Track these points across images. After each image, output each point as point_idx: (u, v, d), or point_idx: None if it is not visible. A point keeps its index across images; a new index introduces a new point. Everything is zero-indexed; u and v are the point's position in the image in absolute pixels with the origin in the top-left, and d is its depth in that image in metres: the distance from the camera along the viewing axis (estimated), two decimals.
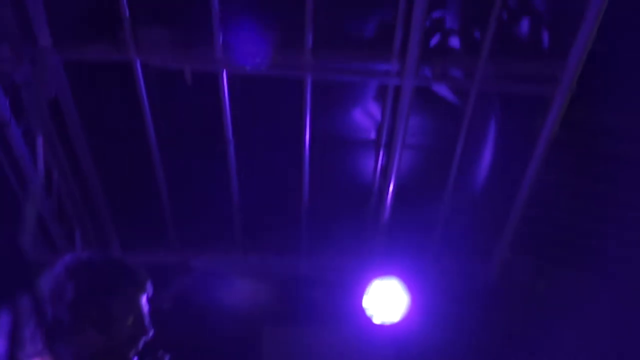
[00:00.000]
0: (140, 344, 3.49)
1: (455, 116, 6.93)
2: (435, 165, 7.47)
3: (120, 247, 8.34)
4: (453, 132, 7.06)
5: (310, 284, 8.60)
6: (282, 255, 8.43)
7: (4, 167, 6.82)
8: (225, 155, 7.23)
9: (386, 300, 8.25)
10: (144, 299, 3.56)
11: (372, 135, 7.15)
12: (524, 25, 6.23)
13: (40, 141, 6.84)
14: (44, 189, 7.07)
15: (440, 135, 7.21)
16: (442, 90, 6.78)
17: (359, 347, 8.83)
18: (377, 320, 8.30)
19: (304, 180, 7.50)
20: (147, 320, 3.54)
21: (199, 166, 7.51)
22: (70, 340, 3.34)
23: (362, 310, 8.25)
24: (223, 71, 6.45)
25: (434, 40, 6.34)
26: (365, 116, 7.02)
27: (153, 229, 8.23)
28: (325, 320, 8.80)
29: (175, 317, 8.93)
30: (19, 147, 6.60)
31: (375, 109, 6.97)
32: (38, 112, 6.64)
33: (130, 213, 8.11)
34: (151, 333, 3.53)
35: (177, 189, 7.68)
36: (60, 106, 6.78)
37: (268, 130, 7.11)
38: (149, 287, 3.59)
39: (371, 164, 7.39)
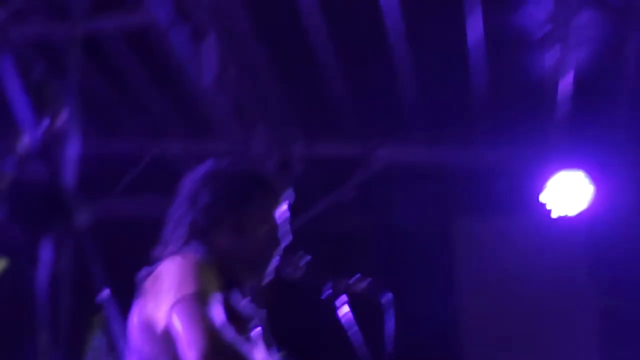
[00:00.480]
0: (273, 255, 3.55)
1: None
2: (615, 57, 7.17)
3: (301, 139, 8.47)
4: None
5: (494, 176, 8.48)
6: (462, 147, 8.36)
7: (172, 69, 7.05)
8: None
9: (569, 193, 8.07)
10: (279, 211, 3.61)
11: (546, 29, 6.93)
12: None
13: (211, 40, 7.01)
14: (217, 87, 7.26)
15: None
16: None
17: (547, 238, 8.70)
18: (560, 212, 8.15)
19: (481, 76, 7.38)
20: (280, 232, 3.57)
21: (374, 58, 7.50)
22: (203, 241, 3.47)
23: (546, 203, 8.11)
24: None
25: None
26: (539, 10, 6.80)
27: (332, 121, 8.28)
28: (513, 211, 8.70)
29: (359, 209, 9.08)
30: (185, 49, 6.84)
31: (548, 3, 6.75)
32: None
33: (310, 106, 8.19)
34: (283, 244, 3.56)
35: (354, 81, 7.68)
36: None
37: (434, 26, 7.01)
38: (288, 197, 3.65)
39: (547, 58, 7.17)
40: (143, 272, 3.37)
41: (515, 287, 9.07)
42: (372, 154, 8.48)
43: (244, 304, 3.47)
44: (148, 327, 3.28)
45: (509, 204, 8.60)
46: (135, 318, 3.37)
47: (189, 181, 3.64)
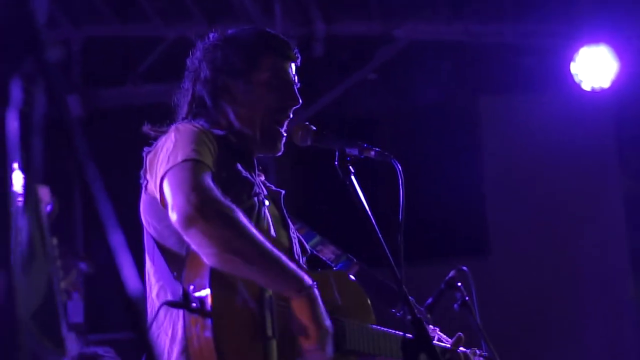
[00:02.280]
0: (289, 113, 3.47)
1: None
2: None
3: (322, 19, 8.30)
4: None
5: (519, 51, 8.33)
6: (486, 23, 8.15)
7: None
8: None
9: (596, 67, 7.91)
10: (291, 68, 3.52)
11: None
12: None
13: None
14: None
15: None
16: None
17: (572, 114, 8.56)
18: (586, 86, 7.99)
19: None
20: (294, 88, 3.48)
21: None
22: (207, 115, 3.42)
23: (572, 77, 7.96)
24: None
25: None
26: None
27: (353, 0, 8.16)
28: (537, 88, 8.55)
29: (381, 88, 8.97)
30: None
31: None
32: None
33: None
34: (299, 102, 3.48)
35: None
36: None
37: None
38: (295, 55, 3.55)
39: None
40: (147, 148, 3.32)
41: (540, 166, 9.00)
42: (394, 32, 8.32)
43: (253, 175, 3.40)
44: (151, 203, 3.23)
45: (535, 81, 8.46)
46: (142, 195, 3.33)
47: (193, 55, 3.56)
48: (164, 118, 3.49)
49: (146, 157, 3.27)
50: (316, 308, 3.09)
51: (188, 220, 2.92)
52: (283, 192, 3.59)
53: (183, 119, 3.45)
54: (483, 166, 9.32)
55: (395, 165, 3.27)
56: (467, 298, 3.97)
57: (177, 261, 3.14)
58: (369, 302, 3.56)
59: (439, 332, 3.83)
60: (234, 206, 3.00)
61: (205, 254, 2.95)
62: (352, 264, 3.82)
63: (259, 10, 7.81)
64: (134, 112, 8.43)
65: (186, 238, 2.99)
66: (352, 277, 3.58)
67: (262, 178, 3.57)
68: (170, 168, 3.04)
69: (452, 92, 8.94)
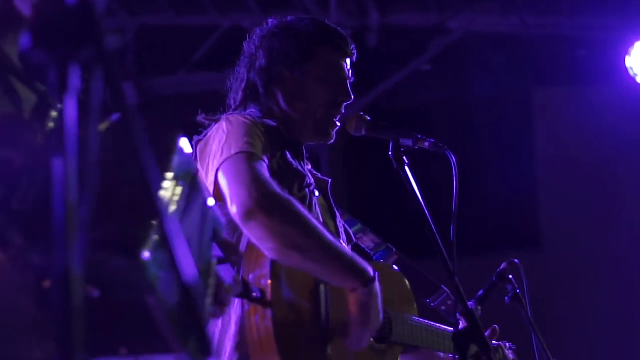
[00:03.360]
0: (341, 108, 3.47)
1: None
2: None
3: (377, 9, 8.26)
4: None
5: (574, 44, 8.25)
6: (542, 15, 8.08)
7: None
8: None
9: None
10: (346, 63, 3.52)
11: None
12: None
13: None
14: None
15: None
16: None
17: (627, 107, 8.46)
18: None
19: None
20: (347, 84, 3.48)
21: None
22: (260, 103, 3.44)
23: (627, 71, 7.86)
24: None
25: None
26: None
27: None
28: (592, 81, 8.47)
29: (436, 78, 8.93)
30: None
31: None
32: None
33: None
34: (351, 98, 3.47)
35: None
36: None
37: None
38: (352, 51, 3.55)
39: None
40: (196, 137, 3.32)
41: (594, 159, 8.92)
42: (449, 23, 8.28)
43: (302, 165, 3.41)
44: None
45: (589, 74, 8.37)
46: None
47: (250, 41, 3.56)
48: (218, 106, 3.50)
49: (196, 146, 3.29)
50: (376, 303, 3.10)
51: (249, 214, 2.93)
52: (330, 180, 3.60)
53: (236, 105, 3.46)
54: (536, 159, 9.28)
55: (450, 157, 3.27)
56: (518, 291, 3.95)
57: (231, 250, 3.15)
58: (412, 293, 3.57)
59: None
60: (293, 199, 3.01)
61: (267, 248, 2.97)
62: (391, 253, 3.82)
63: (314, 0, 7.80)
64: (187, 101, 8.50)
65: (246, 231, 3.00)
66: (395, 267, 3.58)
67: (309, 166, 3.58)
68: (225, 160, 3.05)
69: (506, 85, 8.89)
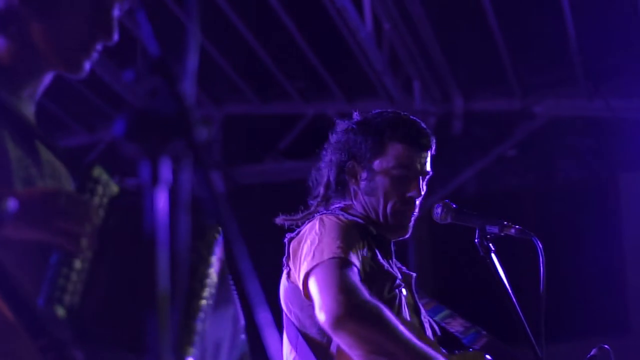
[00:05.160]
0: (412, 203, 3.42)
1: None
2: None
3: (461, 95, 8.30)
4: None
5: None
6: (629, 98, 8.00)
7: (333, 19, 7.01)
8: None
9: None
10: (421, 157, 3.45)
11: None
12: None
13: None
14: (374, 40, 7.17)
15: None
16: None
17: None
18: None
19: None
20: (417, 179, 3.42)
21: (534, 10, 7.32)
22: (344, 198, 3.44)
23: None
24: None
25: None
26: None
27: (493, 76, 8.10)
28: None
29: (519, 166, 8.89)
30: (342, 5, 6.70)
31: None
32: None
33: (468, 61, 8.04)
34: (420, 195, 3.38)
35: (514, 33, 7.47)
36: None
37: None
38: (431, 143, 3.48)
39: None
40: (289, 234, 3.35)
41: None
42: (534, 108, 8.26)
43: (391, 263, 3.39)
44: (294, 291, 3.25)
45: None
46: (283, 281, 3.35)
47: (331, 135, 3.57)
48: (304, 195, 3.52)
49: (289, 244, 3.31)
50: None
51: (337, 322, 2.96)
52: (414, 275, 3.58)
53: (317, 201, 3.45)
54: (623, 243, 9.14)
55: (536, 243, 3.25)
56: None
57: (320, 351, 3.17)
58: None
59: None
60: (381, 305, 3.03)
61: (356, 355, 2.99)
62: (481, 335, 3.78)
63: (399, 88, 7.83)
64: (274, 189, 8.56)
65: (335, 338, 3.03)
66: (488, 357, 3.54)
67: (397, 262, 3.57)
68: (317, 265, 3.08)
69: (592, 169, 8.82)
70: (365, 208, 3.42)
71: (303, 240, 3.21)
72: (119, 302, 1.82)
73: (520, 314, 3.20)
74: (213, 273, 1.93)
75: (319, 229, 3.19)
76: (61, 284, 1.80)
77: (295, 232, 3.33)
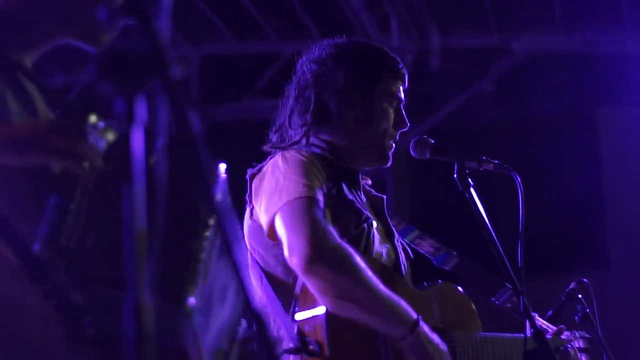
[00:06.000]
0: (396, 136, 3.45)
1: None
2: None
3: (438, 32, 8.27)
4: None
5: (637, 61, 8.14)
6: (605, 34, 8.00)
7: None
8: None
9: None
10: (399, 86, 3.49)
11: None
12: None
13: None
14: None
15: None
16: None
17: None
18: None
19: None
20: (402, 112, 3.45)
21: None
22: (314, 132, 3.40)
23: None
24: None
25: None
26: None
27: (471, 13, 8.06)
28: None
29: (497, 101, 8.88)
30: None
31: None
32: None
33: None
34: (407, 126, 3.45)
35: None
36: None
37: None
38: (404, 72, 3.52)
39: None
40: (250, 170, 3.33)
41: None
42: (512, 44, 8.25)
43: (358, 195, 3.38)
44: (257, 230, 3.23)
45: None
46: (247, 220, 3.34)
47: (298, 71, 3.51)
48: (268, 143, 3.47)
49: (251, 181, 3.27)
50: (429, 341, 3.09)
51: (309, 265, 2.95)
52: (385, 197, 3.58)
53: (303, 130, 3.40)
54: (602, 178, 9.17)
55: (515, 178, 3.26)
56: (588, 310, 3.91)
57: (284, 290, 3.16)
58: (475, 311, 3.55)
59: (539, 318, 3.79)
60: (351, 249, 3.02)
61: (324, 299, 2.99)
62: (452, 256, 3.80)
63: (376, 25, 7.80)
64: (252, 128, 8.53)
65: (305, 281, 3.02)
66: (460, 289, 3.55)
67: (369, 182, 3.56)
68: (283, 205, 3.05)
69: (570, 104, 8.82)
70: (342, 140, 3.40)
71: (266, 178, 3.18)
72: (115, 243, 1.82)
73: (500, 249, 3.22)
74: (215, 214, 1.92)
75: (283, 165, 3.16)
76: (59, 226, 1.80)
77: (257, 168, 3.29)
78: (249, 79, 8.81)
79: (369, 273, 3.06)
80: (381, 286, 3.08)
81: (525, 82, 8.65)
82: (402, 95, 3.49)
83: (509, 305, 3.73)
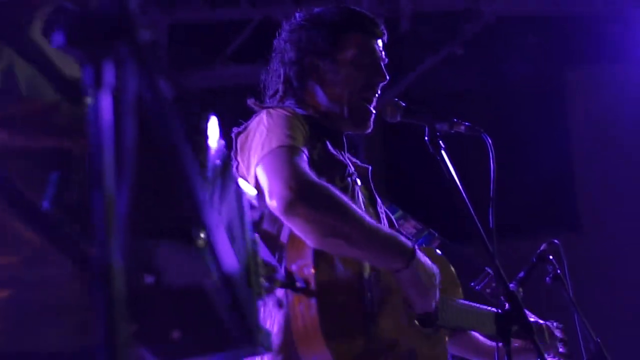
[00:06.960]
0: (377, 90, 3.47)
1: None
2: None
3: None
4: None
5: (606, 21, 8.17)
6: None
7: None
8: None
9: None
10: (377, 45, 3.52)
11: None
12: None
13: None
14: None
15: None
16: None
17: None
18: None
19: None
20: (381, 65, 3.48)
21: None
22: (296, 96, 3.45)
23: None
24: None
25: None
26: None
27: None
28: (626, 58, 8.40)
29: (468, 63, 8.89)
30: None
31: None
32: None
33: None
34: (387, 79, 3.48)
35: None
36: None
37: None
38: (382, 31, 3.55)
39: None
40: (236, 129, 3.33)
41: (629, 137, 8.86)
42: (481, 7, 8.24)
43: (343, 154, 3.41)
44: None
45: (623, 51, 8.30)
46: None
47: (279, 36, 3.56)
48: (253, 99, 3.50)
49: (236, 138, 3.30)
50: (422, 279, 3.11)
51: (289, 206, 2.93)
52: (370, 167, 3.60)
53: (271, 98, 3.47)
54: (572, 139, 9.24)
55: (486, 140, 3.27)
56: (559, 271, 3.94)
57: (270, 241, 3.16)
58: (456, 277, 3.59)
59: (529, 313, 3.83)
60: (332, 187, 3.02)
61: (309, 238, 2.98)
62: (434, 238, 3.83)
63: None
64: (222, 93, 8.51)
65: (287, 223, 3.01)
66: (438, 251, 3.59)
67: (349, 155, 3.58)
68: (266, 155, 3.06)
69: (539, 65, 8.84)
70: (325, 103, 3.44)
71: (251, 134, 3.20)
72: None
73: (472, 211, 3.23)
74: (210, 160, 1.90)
75: (267, 120, 3.18)
76: (64, 183, 1.79)
77: (242, 126, 3.31)
78: (219, 45, 8.77)
79: (355, 207, 3.07)
80: (370, 219, 3.10)
81: (495, 46, 8.67)
82: (382, 52, 3.52)
83: (488, 290, 3.76)
